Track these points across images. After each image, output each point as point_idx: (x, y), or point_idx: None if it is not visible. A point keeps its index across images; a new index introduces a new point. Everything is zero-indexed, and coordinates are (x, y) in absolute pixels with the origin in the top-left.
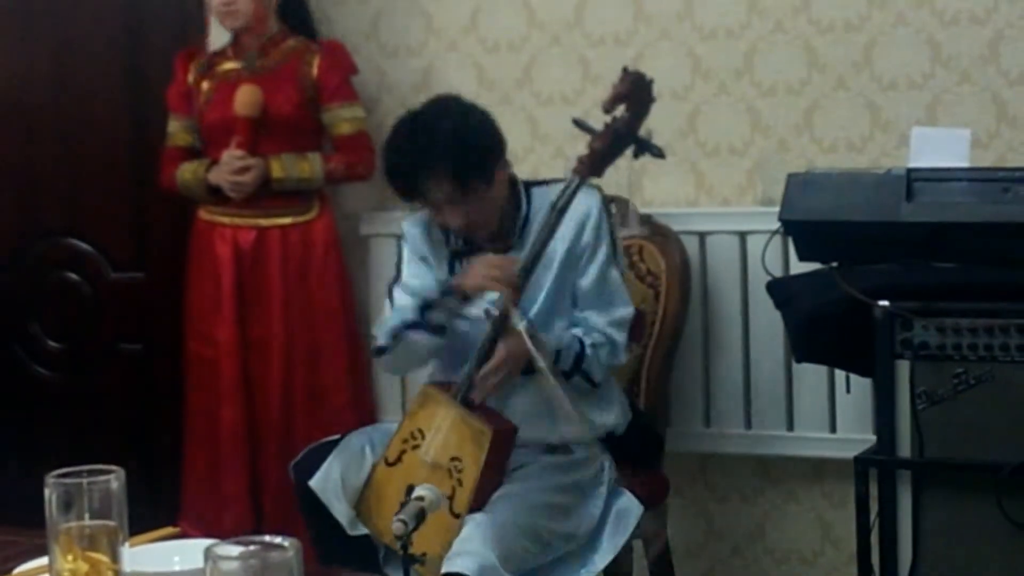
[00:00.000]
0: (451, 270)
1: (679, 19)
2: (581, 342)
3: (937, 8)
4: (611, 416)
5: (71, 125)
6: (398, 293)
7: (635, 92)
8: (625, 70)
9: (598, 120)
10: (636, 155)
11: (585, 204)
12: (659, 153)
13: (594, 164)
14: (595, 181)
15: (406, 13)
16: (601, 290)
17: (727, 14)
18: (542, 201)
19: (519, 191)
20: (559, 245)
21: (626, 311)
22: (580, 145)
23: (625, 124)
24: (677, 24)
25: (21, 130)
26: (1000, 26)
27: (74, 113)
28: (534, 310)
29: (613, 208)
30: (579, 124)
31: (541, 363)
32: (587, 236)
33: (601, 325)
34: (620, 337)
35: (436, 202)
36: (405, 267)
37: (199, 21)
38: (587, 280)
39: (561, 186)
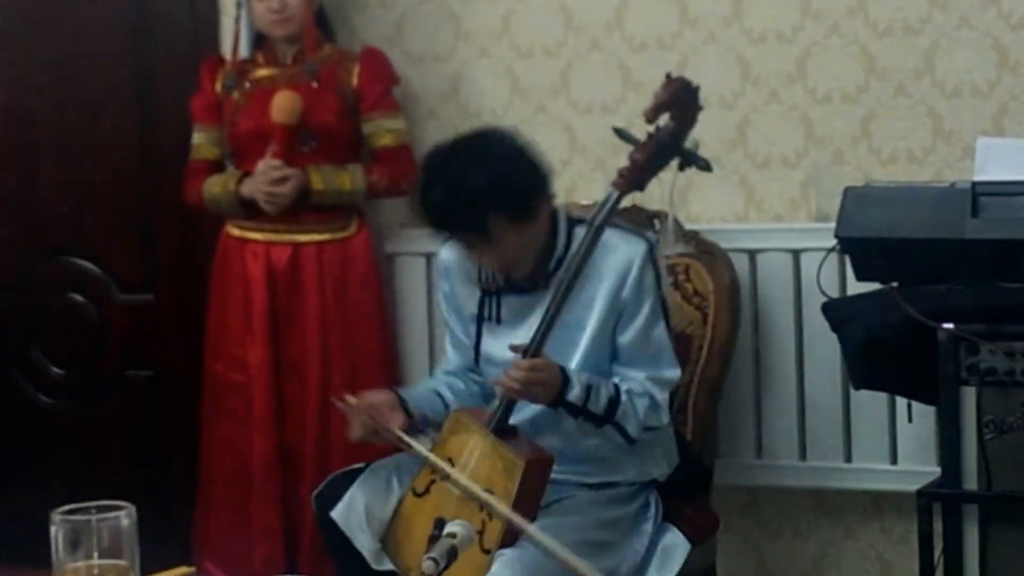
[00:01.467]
0: (480, 307)
1: (727, 22)
2: (617, 387)
3: (1004, 10)
4: (656, 468)
5: (75, 138)
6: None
7: (680, 100)
8: (669, 76)
9: (641, 130)
10: (681, 167)
11: (628, 254)
12: (705, 166)
13: (635, 177)
14: (637, 197)
15: (433, 17)
16: (643, 349)
17: (778, 16)
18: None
19: (558, 225)
20: (600, 292)
21: (671, 372)
22: (621, 156)
23: (669, 135)
24: (725, 27)
25: (22, 143)
26: None
27: (78, 125)
28: (572, 364)
29: (662, 252)
30: (620, 134)
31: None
32: (628, 291)
33: (640, 379)
34: (660, 395)
35: (470, 243)
36: (445, 316)
37: (212, 28)
38: (627, 337)
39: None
